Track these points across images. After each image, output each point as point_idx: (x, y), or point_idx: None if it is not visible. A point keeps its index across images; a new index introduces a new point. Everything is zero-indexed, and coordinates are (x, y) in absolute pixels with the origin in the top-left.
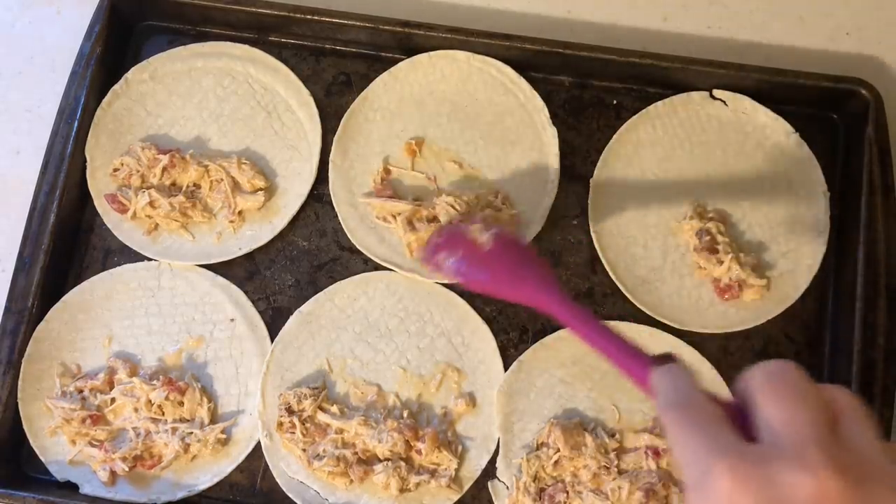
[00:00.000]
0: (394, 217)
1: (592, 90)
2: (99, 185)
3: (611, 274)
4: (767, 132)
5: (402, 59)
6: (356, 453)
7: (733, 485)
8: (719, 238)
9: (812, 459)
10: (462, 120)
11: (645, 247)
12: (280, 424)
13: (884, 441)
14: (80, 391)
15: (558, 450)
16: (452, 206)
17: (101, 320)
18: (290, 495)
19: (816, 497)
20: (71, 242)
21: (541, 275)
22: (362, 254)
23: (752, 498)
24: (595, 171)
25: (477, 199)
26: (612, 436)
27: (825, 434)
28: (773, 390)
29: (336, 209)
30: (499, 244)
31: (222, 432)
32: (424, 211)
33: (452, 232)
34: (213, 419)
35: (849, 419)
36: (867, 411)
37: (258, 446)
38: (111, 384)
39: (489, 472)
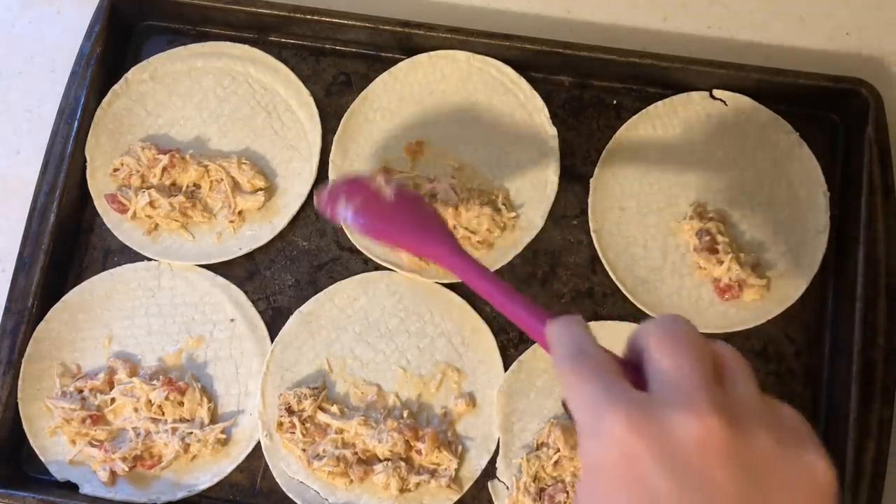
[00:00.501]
0: None
1: (592, 90)
2: (99, 185)
3: (611, 274)
4: (767, 132)
5: (402, 59)
6: (356, 453)
7: (626, 430)
8: (719, 238)
9: (698, 403)
10: (462, 120)
11: (645, 247)
12: (280, 424)
13: (763, 393)
14: (80, 391)
15: (558, 450)
16: (454, 189)
17: (101, 320)
18: (290, 495)
19: (702, 437)
20: (71, 242)
21: (440, 229)
22: (362, 254)
23: (644, 442)
24: (595, 171)
25: (480, 192)
26: None
27: (711, 382)
28: (664, 342)
29: None
30: (400, 197)
31: (222, 432)
32: (427, 184)
33: (354, 180)
34: (213, 419)
35: (733, 371)
36: (751, 368)
37: (258, 446)
38: (111, 384)
39: (489, 472)
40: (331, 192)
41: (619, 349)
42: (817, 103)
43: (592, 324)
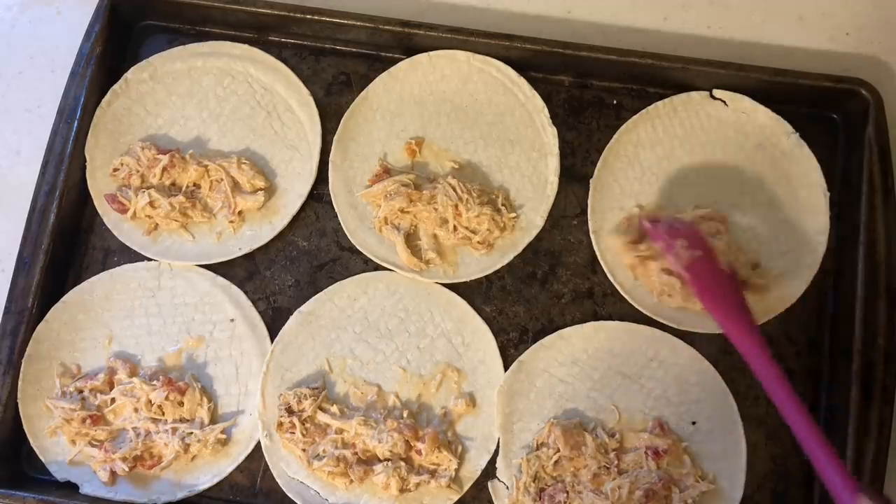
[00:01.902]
0: (384, 198)
1: (592, 90)
2: (99, 185)
3: (609, 276)
4: (767, 132)
5: (402, 59)
6: (356, 453)
7: None
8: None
9: None
10: (462, 120)
11: None
12: (280, 424)
13: None
14: (80, 391)
15: (558, 450)
16: (454, 189)
17: (101, 320)
18: (290, 495)
19: None
20: (71, 242)
21: (754, 325)
22: (362, 254)
23: None
24: (595, 171)
25: (480, 192)
26: (612, 436)
27: None
28: None
29: (336, 209)
30: (733, 276)
31: (222, 432)
32: (427, 193)
33: (694, 230)
34: (213, 419)
35: None
36: None
37: (258, 446)
38: (111, 384)
39: (489, 472)
40: (670, 227)
41: (618, 349)
42: (817, 103)
43: (592, 324)
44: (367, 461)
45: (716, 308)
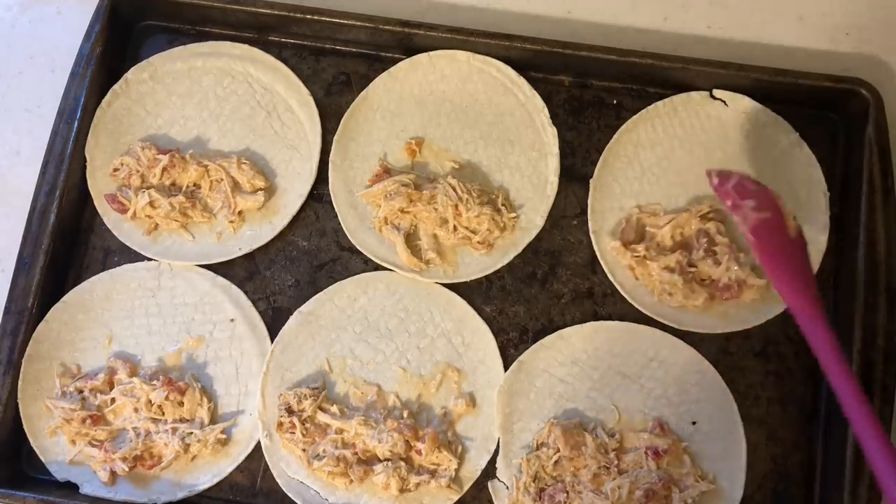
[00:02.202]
0: (384, 198)
1: (592, 90)
2: (99, 185)
3: (609, 276)
4: (767, 132)
5: (402, 59)
6: (356, 453)
7: None
8: (718, 238)
9: None
10: (462, 120)
11: None
12: (280, 424)
13: None
14: (80, 391)
15: (558, 450)
16: (454, 189)
17: (101, 320)
18: (290, 495)
19: None
20: (71, 242)
21: (817, 297)
22: (362, 254)
23: None
24: (595, 171)
25: (480, 192)
26: (612, 436)
27: None
28: None
29: (336, 209)
30: (801, 243)
31: (222, 432)
32: (427, 193)
33: (765, 191)
34: (213, 419)
35: None
36: None
37: (258, 446)
38: (111, 384)
39: (489, 472)
40: (738, 185)
41: (618, 349)
42: (817, 103)
43: (592, 324)
44: (367, 461)
45: (778, 276)
